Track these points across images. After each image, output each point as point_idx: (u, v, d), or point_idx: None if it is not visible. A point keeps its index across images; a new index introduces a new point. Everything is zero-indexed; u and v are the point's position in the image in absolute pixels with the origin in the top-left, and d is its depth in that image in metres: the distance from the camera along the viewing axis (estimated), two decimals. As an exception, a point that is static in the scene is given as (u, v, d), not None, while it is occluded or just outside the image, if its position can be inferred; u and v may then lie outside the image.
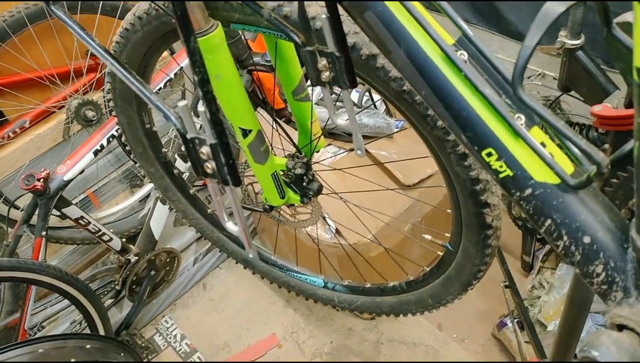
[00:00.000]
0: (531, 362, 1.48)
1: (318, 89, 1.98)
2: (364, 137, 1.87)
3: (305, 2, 0.71)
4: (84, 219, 1.57)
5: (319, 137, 1.06)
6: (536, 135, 0.50)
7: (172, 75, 1.53)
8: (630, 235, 0.46)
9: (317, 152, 1.11)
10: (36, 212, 1.48)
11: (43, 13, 1.61)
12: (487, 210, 0.86)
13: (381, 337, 1.84)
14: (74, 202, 1.56)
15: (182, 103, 0.54)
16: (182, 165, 1.76)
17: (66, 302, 1.80)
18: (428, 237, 1.09)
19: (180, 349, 1.91)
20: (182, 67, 1.55)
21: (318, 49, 0.62)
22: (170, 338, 1.94)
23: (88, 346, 1.36)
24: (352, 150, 1.85)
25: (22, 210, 1.51)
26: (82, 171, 1.49)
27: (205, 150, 0.56)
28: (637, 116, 0.38)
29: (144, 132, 1.20)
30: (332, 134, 1.90)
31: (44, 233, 1.47)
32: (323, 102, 1.94)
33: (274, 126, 1.15)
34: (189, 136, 0.56)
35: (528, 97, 0.45)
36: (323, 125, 1.88)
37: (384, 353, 1.80)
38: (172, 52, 1.71)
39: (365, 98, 1.95)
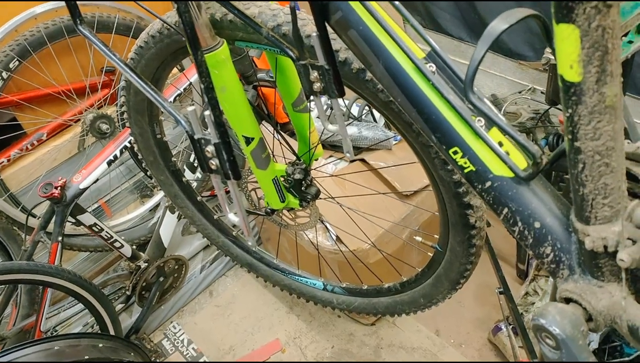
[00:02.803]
0: (523, 362, 1.54)
1: (319, 103, 2.08)
2: (365, 148, 1.96)
3: (300, 22, 0.80)
4: (97, 226, 1.65)
5: (317, 145, 1.14)
6: (494, 135, 0.58)
7: (181, 90, 1.63)
8: (571, 219, 0.53)
9: (316, 160, 1.19)
10: (53, 219, 1.56)
11: (62, 32, 1.71)
12: (470, 211, 0.94)
13: (381, 342, 1.90)
14: (88, 210, 1.65)
15: (190, 108, 0.62)
16: (190, 175, 1.86)
17: (79, 306, 1.89)
18: (418, 238, 1.16)
19: (187, 353, 1.98)
20: (191, 82, 1.65)
21: (310, 63, 0.71)
22: (177, 342, 2.02)
23: (100, 345, 1.43)
24: (354, 161, 1.94)
25: (39, 218, 1.60)
26: (97, 180, 1.57)
27: (210, 149, 0.64)
28: (564, 116, 0.46)
29: (155, 142, 1.29)
30: (333, 146, 1.99)
31: (60, 239, 1.56)
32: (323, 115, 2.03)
33: (276, 136, 1.24)
34: (196, 137, 0.65)
35: (477, 101, 0.53)
36: (325, 137, 1.97)
37: (384, 358, 1.86)
38: (182, 68, 1.81)
39: (365, 111, 2.04)
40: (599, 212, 0.49)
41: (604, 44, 0.40)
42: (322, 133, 1.15)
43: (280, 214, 1.26)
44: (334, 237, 1.73)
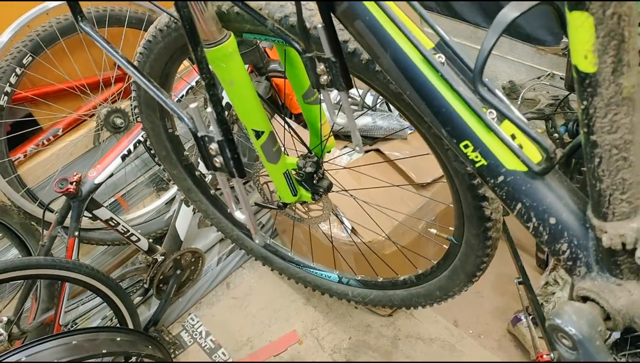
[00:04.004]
0: (538, 361, 1.52)
1: (334, 94, 2.06)
2: (379, 139, 1.94)
3: (308, 13, 0.78)
4: (113, 220, 1.66)
5: (328, 137, 1.12)
6: (506, 128, 0.56)
7: (193, 83, 1.62)
8: (588, 215, 0.51)
9: (329, 152, 1.18)
10: (69, 214, 1.57)
11: (73, 27, 1.71)
12: (485, 203, 0.91)
13: (398, 333, 1.89)
14: (104, 205, 1.66)
15: (193, 105, 0.61)
16: (204, 168, 1.85)
17: (97, 300, 1.91)
18: (433, 231, 1.14)
19: (206, 345, 1.99)
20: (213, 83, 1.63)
21: (316, 55, 0.69)
22: (195, 334, 2.03)
23: (118, 338, 1.44)
24: (367, 151, 1.92)
25: (56, 213, 1.61)
26: (112, 175, 1.58)
27: (213, 146, 0.63)
28: (579, 108, 0.44)
29: (167, 137, 1.28)
30: (348, 136, 1.97)
31: (76, 233, 1.57)
32: (337, 105, 2.01)
33: (288, 129, 1.23)
34: (199, 134, 0.64)
35: (487, 93, 0.51)
36: (339, 128, 1.95)
37: (402, 349, 1.84)
38: (193, 62, 1.79)
39: (379, 101, 2.02)
40: (617, 208, 0.47)
41: (620, 32, 0.38)
42: (333, 125, 1.13)
43: (294, 207, 1.25)
44: (349, 229, 1.72)
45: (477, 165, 0.58)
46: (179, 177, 1.38)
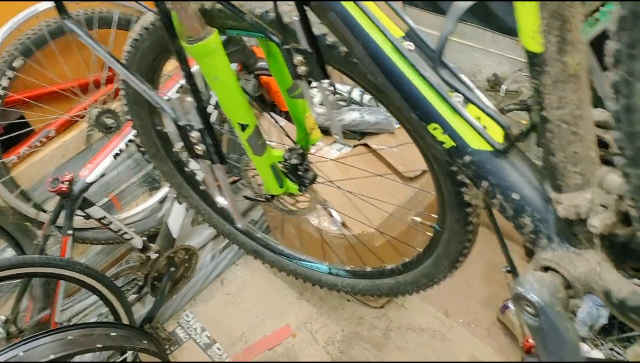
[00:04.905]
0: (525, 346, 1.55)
1: (321, 90, 2.09)
2: (367, 133, 1.97)
3: (288, 7, 0.81)
4: (106, 219, 1.69)
5: (313, 130, 1.15)
6: (472, 110, 0.59)
7: (183, 82, 1.65)
8: (545, 189, 0.54)
9: (314, 144, 1.21)
10: (62, 214, 1.60)
11: (63, 29, 1.74)
12: (464, 189, 0.95)
13: (390, 324, 1.92)
14: (98, 204, 1.68)
15: (174, 96, 0.64)
16: (194, 165, 1.88)
17: (92, 298, 1.93)
18: (417, 219, 1.17)
19: (201, 341, 2.01)
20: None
21: (293, 47, 0.72)
22: (190, 331, 2.06)
23: (113, 333, 1.47)
24: (356, 146, 1.95)
25: (49, 213, 1.63)
26: (103, 174, 1.60)
27: (195, 134, 0.66)
28: (532, 87, 0.47)
29: (156, 134, 1.31)
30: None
31: (70, 232, 1.59)
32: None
33: (275, 123, 1.26)
34: (181, 123, 0.67)
35: (447, 75, 0.54)
36: (328, 123, 1.98)
37: (393, 339, 1.88)
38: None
39: (368, 96, 2.05)
40: (570, 180, 0.50)
41: (563, 13, 0.41)
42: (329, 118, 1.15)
43: (282, 200, 1.28)
44: (339, 223, 1.75)
45: (446, 146, 0.61)
46: (169, 174, 1.41)
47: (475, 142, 0.58)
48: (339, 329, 1.95)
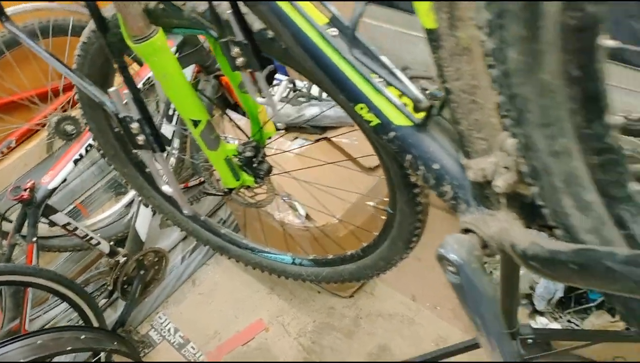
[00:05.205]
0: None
1: (282, 87, 2.13)
2: (329, 128, 2.01)
3: (225, 4, 0.85)
4: (70, 225, 1.70)
5: (266, 123, 1.19)
6: (393, 89, 0.63)
7: (140, 85, 1.67)
8: (459, 156, 0.59)
9: (269, 138, 1.25)
10: (26, 222, 1.61)
11: (18, 40, 1.74)
12: (410, 170, 0.99)
13: (360, 312, 1.97)
14: (64, 212, 1.69)
15: (112, 89, 0.67)
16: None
17: (62, 306, 1.94)
18: (371, 203, 1.22)
19: (174, 341, 2.03)
20: (149, 78, 1.69)
21: (230, 40, 0.76)
22: (164, 332, 2.07)
23: (83, 336, 1.48)
24: (318, 140, 1.99)
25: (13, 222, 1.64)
26: (65, 180, 1.62)
27: (134, 125, 0.69)
28: (433, 61, 0.51)
29: (114, 136, 1.33)
30: (300, 128, 2.04)
31: (34, 239, 1.60)
32: (286, 99, 2.08)
33: (231, 119, 1.29)
34: (121, 115, 0.70)
35: (360, 55, 0.59)
36: (290, 120, 2.03)
37: (363, 327, 1.92)
38: (140, 64, 1.84)
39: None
40: (476, 145, 0.54)
41: (449, -8, 0.46)
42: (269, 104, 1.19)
43: (241, 193, 1.31)
44: (303, 215, 1.79)
45: (372, 124, 0.65)
46: (130, 175, 1.43)
47: (397, 119, 0.63)
48: (310, 320, 1.98)
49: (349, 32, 0.58)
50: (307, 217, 1.79)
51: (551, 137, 0.44)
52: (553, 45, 0.38)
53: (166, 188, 0.85)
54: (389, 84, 0.63)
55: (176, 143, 1.96)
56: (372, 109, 0.64)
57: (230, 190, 1.22)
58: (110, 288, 1.93)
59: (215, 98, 2.04)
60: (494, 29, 0.41)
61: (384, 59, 0.61)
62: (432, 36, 0.49)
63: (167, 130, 1.91)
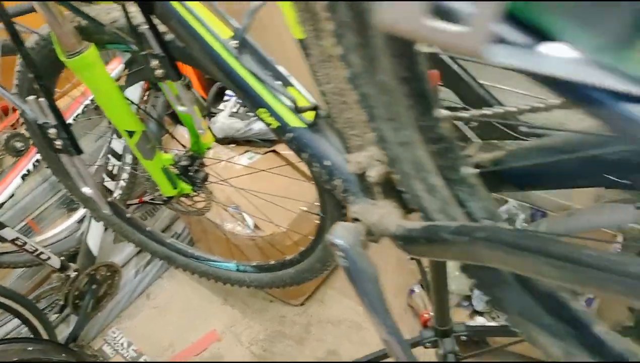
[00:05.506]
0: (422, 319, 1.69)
1: (231, 102, 2.19)
2: (277, 141, 2.08)
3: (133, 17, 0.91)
4: (20, 240, 1.71)
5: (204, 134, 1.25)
6: (292, 91, 0.70)
7: (88, 102, 1.71)
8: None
9: (209, 148, 1.31)
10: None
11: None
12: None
13: (310, 319, 2.02)
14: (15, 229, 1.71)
15: (30, 98, 0.73)
16: (111, 185, 1.95)
17: (13, 323, 1.94)
18: (304, 208, 1.29)
19: (128, 355, 2.05)
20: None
21: (148, 53, 0.82)
22: (117, 346, 2.09)
23: (30, 348, 1.50)
24: (266, 153, 2.06)
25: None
26: (12, 195, 1.64)
27: (52, 131, 0.75)
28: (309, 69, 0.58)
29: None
30: (248, 141, 2.11)
31: (-18, 254, 1.62)
32: (237, 114, 2.14)
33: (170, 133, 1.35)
34: (39, 122, 0.75)
35: (246, 61, 0.66)
36: (239, 133, 2.09)
37: (313, 333, 1.98)
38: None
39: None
40: (352, 141, 0.62)
41: (310, 8, 0.53)
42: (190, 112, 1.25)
43: (182, 201, 1.37)
44: (252, 226, 1.85)
45: (273, 126, 0.72)
46: (74, 188, 1.46)
47: (292, 121, 0.70)
48: (263, 329, 2.03)
49: (239, 35, 0.65)
50: (256, 227, 1.85)
51: (396, 130, 0.51)
52: (383, 51, 0.46)
53: (86, 190, 0.90)
54: (289, 87, 0.71)
55: (128, 158, 2.00)
56: (272, 113, 0.71)
57: (170, 198, 1.28)
58: (61, 302, 1.94)
59: (166, 113, 2.10)
60: (339, 37, 0.48)
61: (269, 59, 0.68)
62: (303, 45, 0.56)
63: (117, 145, 1.95)
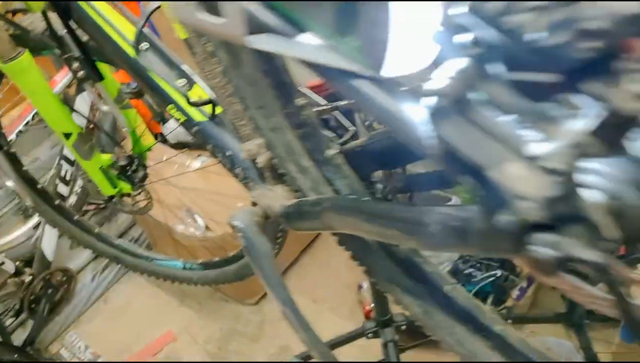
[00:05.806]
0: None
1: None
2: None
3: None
4: (-29, 245, 1.74)
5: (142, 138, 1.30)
6: (194, 91, 0.77)
7: (30, 118, 1.76)
8: (239, 142, 0.73)
9: (149, 149, 1.36)
10: None
11: None
12: None
13: (265, 318, 2.07)
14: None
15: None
16: (66, 190, 1.98)
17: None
18: (240, 205, 1.34)
19: (85, 358, 2.07)
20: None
21: (70, 55, 0.88)
22: (75, 350, 2.11)
23: (-20, 350, 1.53)
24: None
25: None
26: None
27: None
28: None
29: (3, 154, 1.41)
30: (200, 146, 2.16)
31: None
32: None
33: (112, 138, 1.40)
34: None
35: (144, 61, 0.72)
36: (190, 138, 2.14)
37: (267, 331, 2.03)
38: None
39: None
40: (242, 131, 0.68)
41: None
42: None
43: (124, 201, 1.41)
44: (203, 226, 1.90)
45: (181, 121, 0.78)
46: (22, 192, 1.50)
47: (196, 115, 0.76)
48: (218, 328, 2.07)
49: (137, 29, 0.71)
50: (207, 228, 1.90)
51: (266, 117, 0.58)
52: (244, 46, 0.52)
53: (9, 184, 0.95)
54: (195, 85, 0.77)
55: (82, 164, 2.04)
56: (178, 108, 0.77)
57: (111, 198, 1.32)
58: (17, 307, 1.97)
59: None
60: (208, 35, 0.55)
61: (174, 58, 0.75)
62: (188, 44, 0.62)
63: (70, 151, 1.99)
